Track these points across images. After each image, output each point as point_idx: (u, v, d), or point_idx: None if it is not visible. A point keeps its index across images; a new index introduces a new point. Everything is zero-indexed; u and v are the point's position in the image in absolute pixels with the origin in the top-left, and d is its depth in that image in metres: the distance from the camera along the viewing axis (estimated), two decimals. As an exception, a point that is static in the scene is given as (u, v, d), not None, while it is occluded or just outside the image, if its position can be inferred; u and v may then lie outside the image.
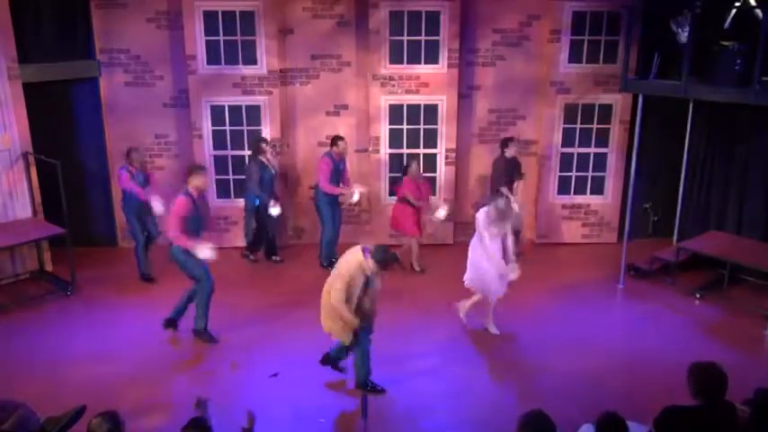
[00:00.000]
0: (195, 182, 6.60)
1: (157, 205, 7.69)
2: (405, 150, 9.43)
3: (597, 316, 7.64)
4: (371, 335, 5.88)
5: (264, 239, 9.03)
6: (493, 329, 7.12)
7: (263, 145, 8.56)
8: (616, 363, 6.64)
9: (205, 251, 6.43)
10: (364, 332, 5.77)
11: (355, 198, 8.65)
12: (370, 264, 5.47)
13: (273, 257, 9.08)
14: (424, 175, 9.38)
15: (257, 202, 8.62)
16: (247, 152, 9.10)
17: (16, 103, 8.10)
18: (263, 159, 8.53)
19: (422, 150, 9.46)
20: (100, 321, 7.35)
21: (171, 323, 7.00)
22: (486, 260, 6.78)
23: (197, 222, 6.64)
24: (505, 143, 8.83)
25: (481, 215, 6.80)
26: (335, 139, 8.60)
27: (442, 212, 8.53)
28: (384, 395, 5.92)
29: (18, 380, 5.99)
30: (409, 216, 8.62)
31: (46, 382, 6.01)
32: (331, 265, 8.73)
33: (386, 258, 5.51)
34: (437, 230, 9.32)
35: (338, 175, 8.67)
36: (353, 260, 5.51)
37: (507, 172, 8.79)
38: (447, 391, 6.05)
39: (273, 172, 8.73)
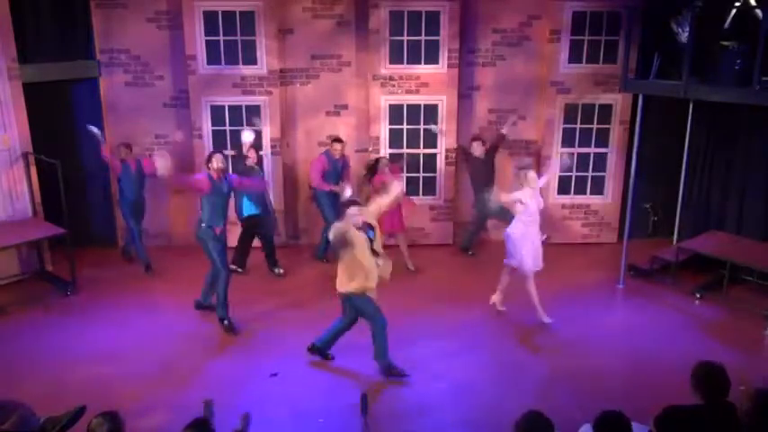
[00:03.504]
0: (214, 165, 6.93)
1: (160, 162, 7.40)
2: (405, 150, 9.44)
3: (597, 316, 7.64)
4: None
5: (265, 251, 8.69)
6: (545, 318, 7.25)
7: (247, 151, 8.37)
8: (616, 363, 6.65)
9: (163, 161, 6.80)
10: (367, 299, 6.01)
11: (348, 193, 8.42)
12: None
13: (276, 270, 8.70)
14: (425, 175, 9.45)
15: (245, 213, 8.31)
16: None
17: (16, 103, 8.10)
18: (247, 163, 8.32)
19: (422, 150, 9.48)
20: (100, 321, 7.34)
21: (200, 306, 7.44)
22: (526, 239, 7.03)
23: (218, 204, 6.99)
24: (471, 142, 8.98)
25: (519, 207, 7.04)
26: (333, 141, 8.68)
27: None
28: (405, 379, 6.09)
29: (18, 380, 5.98)
30: (394, 213, 8.53)
31: (46, 382, 6.00)
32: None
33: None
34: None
35: (336, 173, 8.66)
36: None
37: (484, 171, 8.86)
38: (447, 390, 6.04)
39: (261, 174, 8.60)
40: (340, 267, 6.02)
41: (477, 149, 8.92)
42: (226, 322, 7.08)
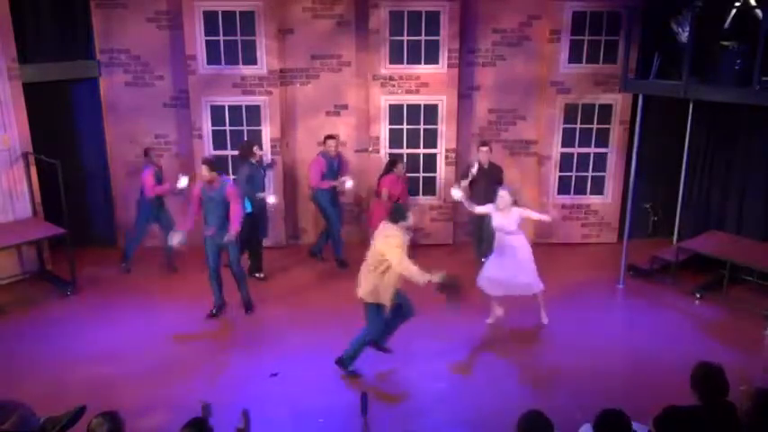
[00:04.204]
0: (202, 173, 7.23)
1: (182, 180, 8.20)
2: (405, 150, 9.44)
3: (597, 316, 7.64)
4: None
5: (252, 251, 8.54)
6: (491, 320, 7.32)
7: (255, 148, 8.29)
8: (616, 363, 6.65)
9: (175, 237, 7.27)
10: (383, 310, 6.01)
11: (348, 185, 8.57)
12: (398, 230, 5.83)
13: (257, 274, 8.48)
14: (424, 175, 9.45)
15: (249, 209, 8.11)
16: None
17: (16, 103, 8.09)
18: (253, 161, 8.23)
19: (422, 150, 9.48)
20: (100, 321, 7.34)
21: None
22: (501, 269, 7.00)
23: (209, 209, 7.22)
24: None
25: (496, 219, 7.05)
26: (326, 139, 8.67)
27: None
28: (359, 378, 6.16)
29: (18, 380, 5.98)
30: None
31: (46, 382, 6.00)
32: (343, 263, 8.73)
33: (401, 214, 5.90)
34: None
35: (333, 173, 8.64)
36: (391, 232, 5.81)
37: (483, 182, 8.31)
38: (446, 390, 6.05)
39: (263, 172, 8.55)
40: (382, 280, 5.85)
41: (484, 157, 8.50)
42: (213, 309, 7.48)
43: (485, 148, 8.58)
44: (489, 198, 8.33)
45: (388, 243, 5.76)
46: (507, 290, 7.05)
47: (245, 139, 9.03)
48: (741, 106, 7.83)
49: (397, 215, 5.92)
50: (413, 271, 5.68)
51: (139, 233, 8.62)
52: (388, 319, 6.12)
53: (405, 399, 5.91)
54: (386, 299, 5.92)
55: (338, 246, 8.85)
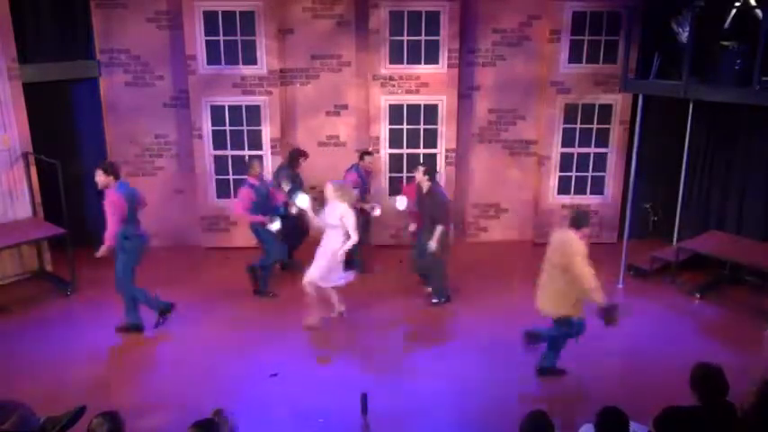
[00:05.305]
0: (253, 171, 7.58)
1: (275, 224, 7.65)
2: (405, 150, 9.44)
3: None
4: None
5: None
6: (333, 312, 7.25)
7: (302, 159, 8.41)
8: (616, 363, 6.66)
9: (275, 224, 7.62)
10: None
11: (377, 212, 8.35)
12: (579, 236, 5.75)
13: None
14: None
15: (280, 210, 7.99)
16: (247, 152, 9.14)
17: (16, 103, 8.09)
18: (297, 170, 8.34)
19: (422, 150, 9.48)
20: (100, 321, 7.33)
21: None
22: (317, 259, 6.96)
23: (262, 205, 7.56)
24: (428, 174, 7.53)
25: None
26: (364, 154, 8.54)
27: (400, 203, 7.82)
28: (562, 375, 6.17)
29: (18, 380, 5.99)
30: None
31: (46, 382, 6.00)
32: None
33: (585, 220, 5.81)
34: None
35: (363, 188, 8.53)
36: (572, 238, 5.74)
37: (424, 208, 7.49)
38: (446, 390, 6.05)
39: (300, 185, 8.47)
40: (563, 289, 5.86)
41: (422, 180, 7.45)
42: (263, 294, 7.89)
43: (421, 169, 7.53)
44: (425, 226, 7.52)
45: (568, 251, 5.66)
46: (321, 280, 6.95)
47: (295, 147, 8.84)
48: (741, 106, 7.83)
49: (579, 221, 5.77)
50: (593, 283, 5.61)
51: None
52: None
53: (405, 399, 5.90)
54: (569, 309, 5.83)
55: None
